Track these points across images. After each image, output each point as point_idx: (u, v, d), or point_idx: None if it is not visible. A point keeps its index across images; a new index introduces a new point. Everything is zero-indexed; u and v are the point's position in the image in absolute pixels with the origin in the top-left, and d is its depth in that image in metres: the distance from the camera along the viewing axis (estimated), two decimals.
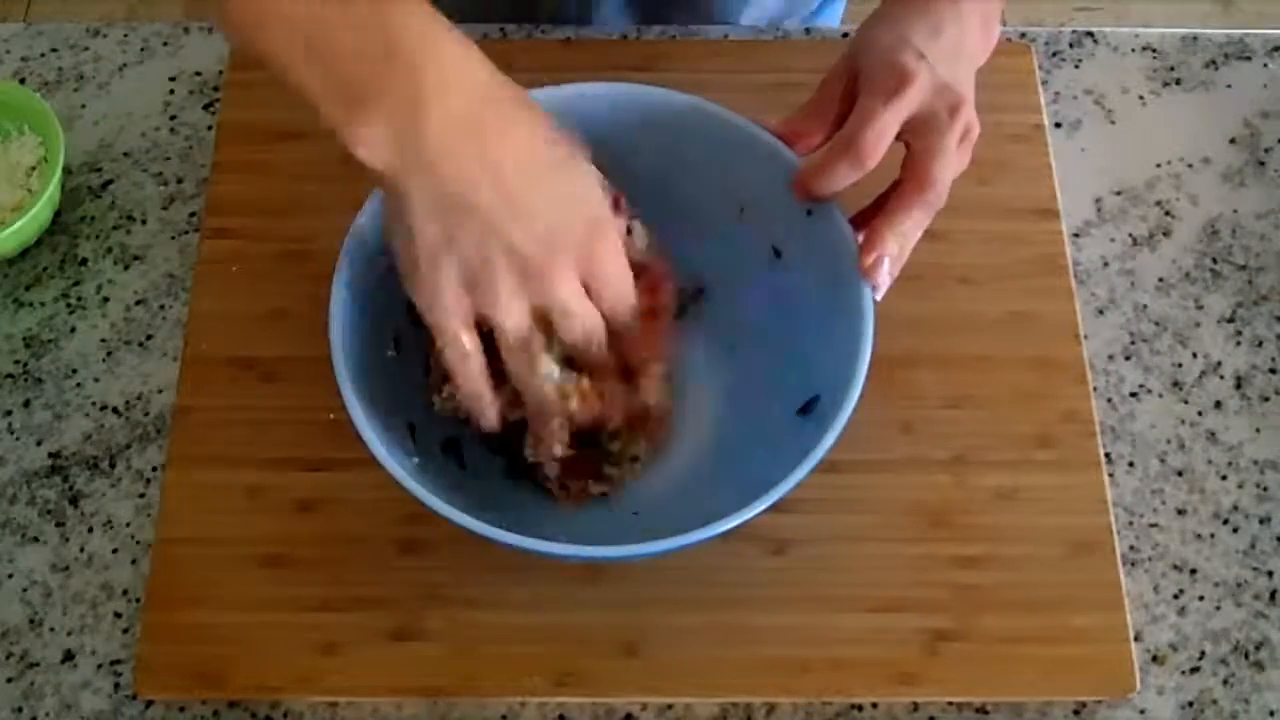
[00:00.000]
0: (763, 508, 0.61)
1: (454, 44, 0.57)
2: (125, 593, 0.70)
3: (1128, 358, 0.77)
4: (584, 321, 0.61)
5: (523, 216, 0.58)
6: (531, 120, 0.59)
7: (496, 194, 0.57)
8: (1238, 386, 0.76)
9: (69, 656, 0.68)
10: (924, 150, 0.65)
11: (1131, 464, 0.74)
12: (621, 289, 0.63)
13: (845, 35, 0.86)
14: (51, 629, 0.69)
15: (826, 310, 0.67)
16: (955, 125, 0.65)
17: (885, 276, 0.65)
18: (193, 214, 0.80)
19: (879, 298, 0.66)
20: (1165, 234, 0.80)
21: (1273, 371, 0.76)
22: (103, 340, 0.76)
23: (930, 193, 0.64)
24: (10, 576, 0.70)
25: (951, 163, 0.65)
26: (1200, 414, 0.75)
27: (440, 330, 0.60)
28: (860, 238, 0.66)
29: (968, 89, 0.66)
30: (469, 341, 0.61)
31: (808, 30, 0.87)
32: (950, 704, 0.67)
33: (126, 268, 0.78)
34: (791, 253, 0.71)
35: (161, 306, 0.77)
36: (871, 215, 0.67)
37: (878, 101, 0.64)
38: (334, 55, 0.55)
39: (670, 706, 0.67)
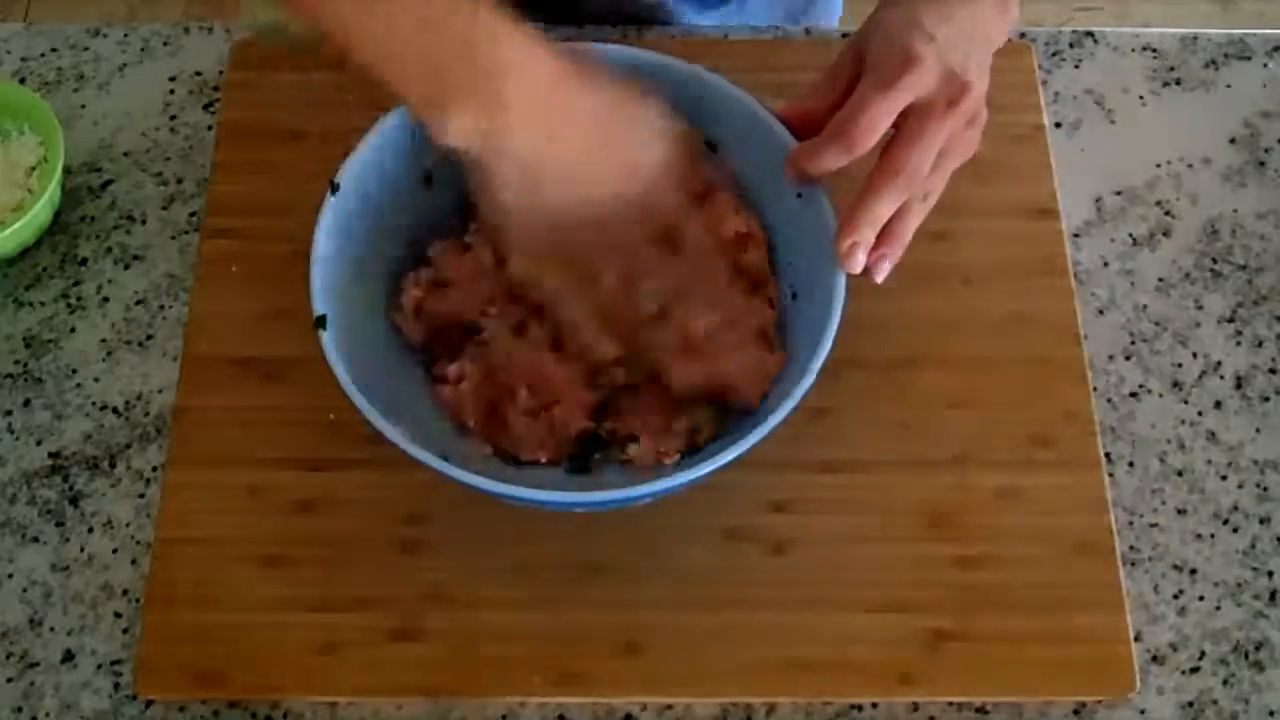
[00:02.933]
0: (711, 468, 0.62)
1: (520, 34, 0.62)
2: (125, 593, 0.70)
3: (1128, 358, 0.77)
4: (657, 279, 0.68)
5: (590, 186, 0.66)
6: (595, 94, 0.65)
7: (563, 167, 0.65)
8: (1238, 386, 0.76)
9: (69, 656, 0.68)
10: (904, 136, 0.64)
11: (1131, 464, 0.74)
12: (694, 241, 0.69)
13: (844, 35, 0.86)
14: (51, 629, 0.69)
15: (807, 292, 0.68)
16: (951, 115, 0.64)
17: (859, 264, 0.65)
18: (193, 214, 0.80)
19: (880, 280, 0.65)
20: (1165, 234, 0.80)
21: (1273, 371, 0.76)
22: (103, 340, 0.76)
23: (900, 177, 0.64)
24: (10, 576, 0.70)
25: (928, 152, 0.64)
26: (1200, 414, 0.75)
27: (527, 275, 0.69)
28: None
29: (977, 75, 0.65)
30: (556, 289, 0.68)
31: (807, 30, 0.87)
32: (950, 704, 0.67)
33: (126, 268, 0.79)
34: (782, 235, 0.71)
35: (161, 306, 0.77)
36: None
37: (877, 86, 0.64)
38: (419, 59, 0.61)
39: (670, 706, 0.67)
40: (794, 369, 0.65)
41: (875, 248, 0.65)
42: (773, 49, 0.85)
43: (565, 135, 0.64)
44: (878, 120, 0.64)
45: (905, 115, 0.64)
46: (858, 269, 0.65)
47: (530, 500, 0.63)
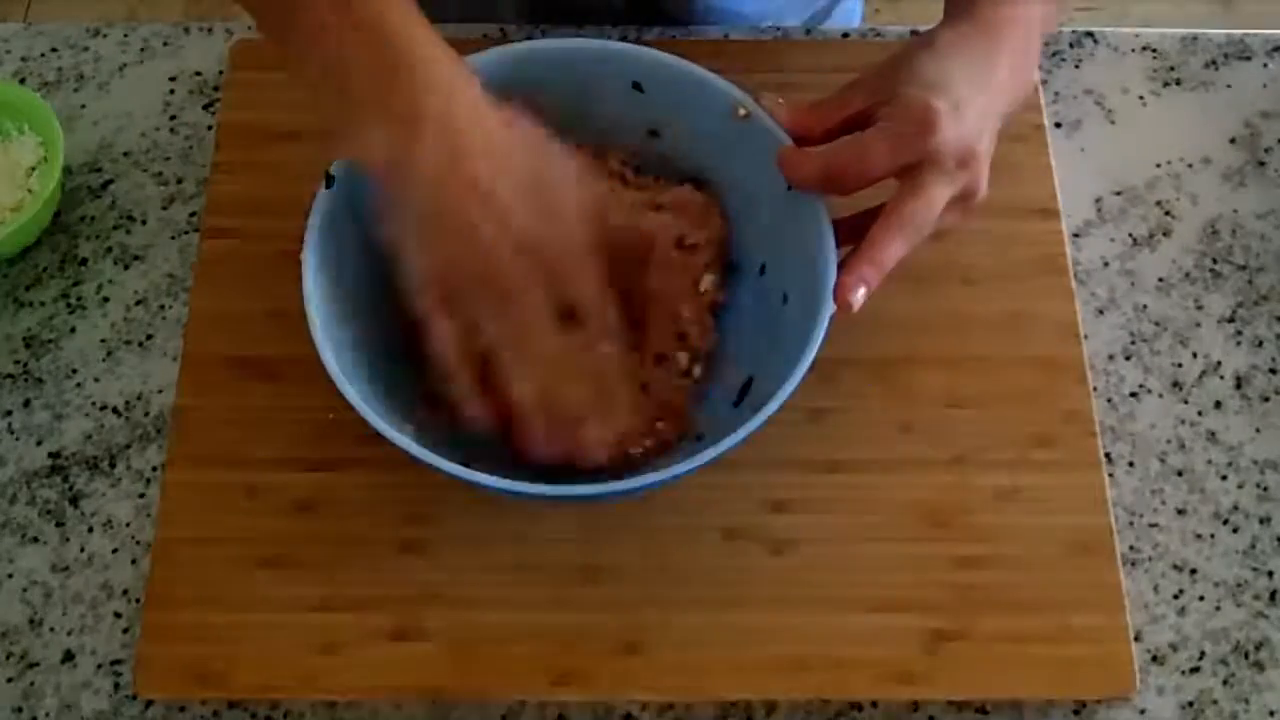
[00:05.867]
0: (698, 464, 0.62)
1: (449, 61, 0.62)
2: (125, 593, 0.70)
3: (1128, 358, 0.77)
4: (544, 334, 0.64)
5: (495, 225, 0.62)
6: (510, 136, 0.63)
7: (472, 202, 0.61)
8: (1238, 386, 0.76)
9: (69, 656, 0.68)
10: (912, 190, 0.63)
11: (1131, 464, 0.74)
12: (594, 303, 0.65)
13: (845, 35, 0.86)
14: (51, 629, 0.69)
15: (798, 292, 0.68)
16: (953, 180, 0.63)
17: (858, 303, 0.63)
18: (193, 214, 0.80)
19: (854, 309, 0.64)
20: (1165, 234, 0.80)
21: (1273, 371, 0.76)
22: (103, 340, 0.76)
23: (910, 226, 0.63)
24: (10, 576, 0.70)
25: (935, 207, 0.63)
26: (1200, 414, 0.75)
27: (421, 311, 0.63)
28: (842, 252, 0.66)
29: (986, 153, 0.64)
30: (448, 328, 0.64)
31: (808, 30, 0.87)
32: (950, 704, 0.67)
33: (126, 268, 0.79)
34: (772, 235, 0.71)
35: (161, 306, 0.77)
36: (853, 223, 0.66)
37: (885, 141, 0.62)
38: (344, 68, 0.61)
39: (670, 706, 0.67)
40: (783, 370, 0.64)
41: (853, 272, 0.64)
42: (773, 50, 0.85)
43: (474, 173, 0.62)
44: (871, 175, 0.63)
45: (903, 178, 0.63)
46: (854, 309, 0.63)
47: (519, 493, 0.63)
